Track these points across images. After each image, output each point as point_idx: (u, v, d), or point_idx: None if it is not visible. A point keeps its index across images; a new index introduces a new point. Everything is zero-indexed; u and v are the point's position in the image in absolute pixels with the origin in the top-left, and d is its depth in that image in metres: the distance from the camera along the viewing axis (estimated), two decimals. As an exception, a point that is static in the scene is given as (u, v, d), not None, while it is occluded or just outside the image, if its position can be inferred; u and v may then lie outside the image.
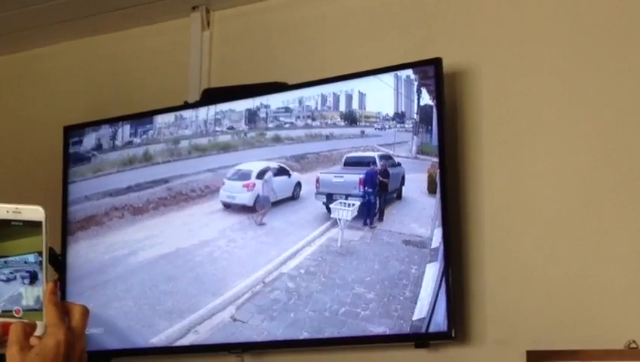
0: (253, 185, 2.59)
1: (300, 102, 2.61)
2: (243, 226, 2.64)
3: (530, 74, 2.40)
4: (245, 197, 2.61)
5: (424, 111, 2.41)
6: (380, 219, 2.44)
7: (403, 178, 2.45)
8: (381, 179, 2.47)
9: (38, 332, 1.03)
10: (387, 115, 2.48)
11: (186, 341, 2.60)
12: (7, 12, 2.93)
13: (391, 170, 2.47)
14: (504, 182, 2.39)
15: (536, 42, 2.40)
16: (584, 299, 2.23)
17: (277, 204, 2.61)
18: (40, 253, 1.05)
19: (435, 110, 2.38)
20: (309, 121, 2.60)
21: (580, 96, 2.33)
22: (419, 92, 2.42)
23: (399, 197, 2.44)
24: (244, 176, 2.63)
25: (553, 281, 2.26)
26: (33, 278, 1.05)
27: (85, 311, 1.06)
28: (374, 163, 2.49)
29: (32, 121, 3.17)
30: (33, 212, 1.06)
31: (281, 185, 2.59)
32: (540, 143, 2.36)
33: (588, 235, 2.25)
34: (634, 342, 2.09)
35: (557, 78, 2.37)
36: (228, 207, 2.63)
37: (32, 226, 1.05)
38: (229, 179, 2.64)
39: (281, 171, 2.60)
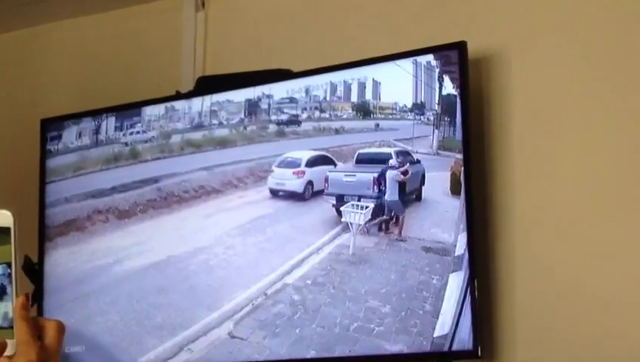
0: (303, 172, 2.62)
1: (307, 91, 2.59)
2: (243, 231, 2.61)
3: (567, 58, 2.35)
4: (295, 184, 2.62)
5: (447, 101, 2.38)
6: (397, 223, 2.43)
7: (423, 177, 2.43)
8: (402, 177, 2.45)
9: (8, 351, 1.04)
10: (405, 105, 2.45)
11: (178, 361, 2.57)
12: (-21, -8, 2.98)
13: (410, 169, 2.45)
14: (538, 181, 2.34)
15: (572, 22, 2.36)
16: (626, 320, 2.19)
17: (281, 206, 2.62)
18: (8, 264, 1.05)
19: (459, 100, 2.34)
20: (317, 113, 2.59)
21: (625, 83, 2.28)
22: (440, 80, 2.39)
23: (418, 198, 2.43)
24: (292, 163, 2.64)
25: (592, 297, 2.23)
26: (1, 293, 1.05)
27: (60, 328, 1.06)
28: (391, 160, 2.47)
29: (5, 113, 3.15)
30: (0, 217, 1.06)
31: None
32: (579, 137, 2.30)
33: (637, 245, 2.21)
34: (673, 365, 2.09)
35: (598, 63, 2.31)
36: (276, 193, 2.65)
37: None
38: (278, 166, 2.64)
39: (326, 160, 2.60)
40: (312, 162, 2.61)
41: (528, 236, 2.33)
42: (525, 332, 2.29)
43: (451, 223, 2.33)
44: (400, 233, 2.40)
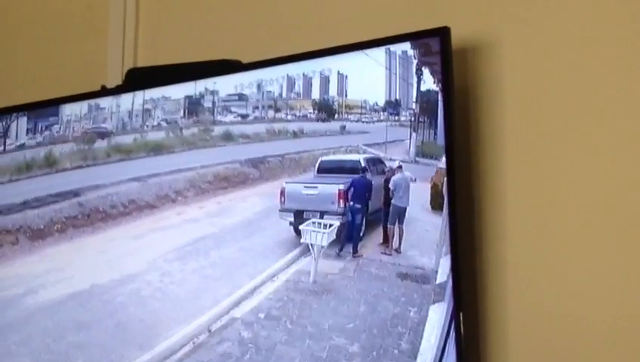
0: None
1: (259, 86, 2.58)
2: (182, 255, 2.60)
3: (569, 48, 2.32)
4: None
5: (426, 98, 2.36)
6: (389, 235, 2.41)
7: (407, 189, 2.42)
8: (387, 189, 2.43)
9: None
10: (376, 104, 2.43)
11: (103, 411, 2.54)
12: None
13: (395, 179, 2.43)
14: (535, 196, 2.32)
15: (575, 5, 2.33)
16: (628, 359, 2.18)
17: (228, 225, 2.60)
18: None
19: (440, 97, 2.31)
20: (271, 113, 2.57)
21: (633, 73, 2.25)
22: (419, 73, 2.36)
23: (393, 215, 2.43)
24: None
25: (599, 333, 2.21)
26: None
27: None
28: (359, 169, 2.46)
29: None
30: None
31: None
32: (585, 141, 2.28)
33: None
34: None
35: (605, 53, 2.28)
36: None
37: None
38: None
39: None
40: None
41: (524, 261, 2.30)
42: (520, 376, 2.30)
43: (431, 245, 2.31)
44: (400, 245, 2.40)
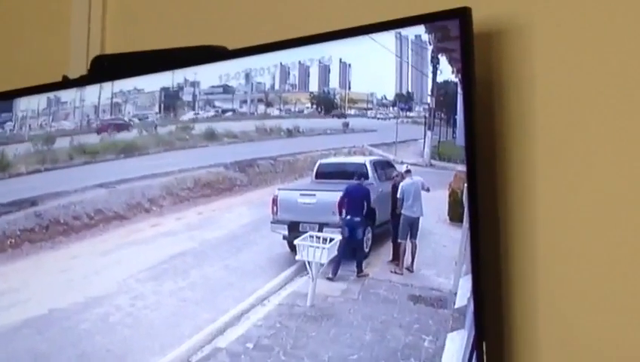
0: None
1: (247, 77, 2.55)
2: (157, 274, 2.56)
3: (609, 31, 2.22)
4: None
5: (443, 91, 2.30)
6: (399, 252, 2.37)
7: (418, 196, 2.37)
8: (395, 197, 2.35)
9: None
10: (385, 97, 2.38)
11: None
12: None
13: (404, 185, 2.35)
14: (571, 203, 2.23)
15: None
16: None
17: (211, 238, 2.56)
18: None
19: (460, 90, 2.24)
20: (262, 108, 2.55)
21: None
22: (435, 61, 2.31)
23: (404, 228, 2.42)
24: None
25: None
26: None
27: None
28: (363, 174, 2.40)
29: None
30: None
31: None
32: (630, 139, 2.16)
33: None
34: None
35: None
36: None
37: None
38: None
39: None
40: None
41: (557, 284, 2.22)
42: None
43: (450, 262, 2.24)
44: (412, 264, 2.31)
